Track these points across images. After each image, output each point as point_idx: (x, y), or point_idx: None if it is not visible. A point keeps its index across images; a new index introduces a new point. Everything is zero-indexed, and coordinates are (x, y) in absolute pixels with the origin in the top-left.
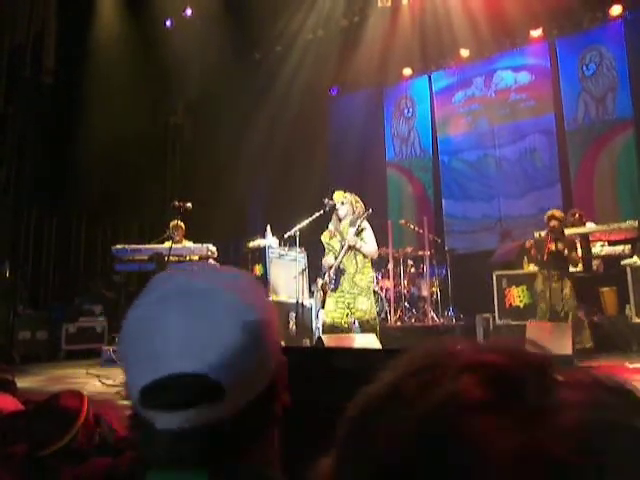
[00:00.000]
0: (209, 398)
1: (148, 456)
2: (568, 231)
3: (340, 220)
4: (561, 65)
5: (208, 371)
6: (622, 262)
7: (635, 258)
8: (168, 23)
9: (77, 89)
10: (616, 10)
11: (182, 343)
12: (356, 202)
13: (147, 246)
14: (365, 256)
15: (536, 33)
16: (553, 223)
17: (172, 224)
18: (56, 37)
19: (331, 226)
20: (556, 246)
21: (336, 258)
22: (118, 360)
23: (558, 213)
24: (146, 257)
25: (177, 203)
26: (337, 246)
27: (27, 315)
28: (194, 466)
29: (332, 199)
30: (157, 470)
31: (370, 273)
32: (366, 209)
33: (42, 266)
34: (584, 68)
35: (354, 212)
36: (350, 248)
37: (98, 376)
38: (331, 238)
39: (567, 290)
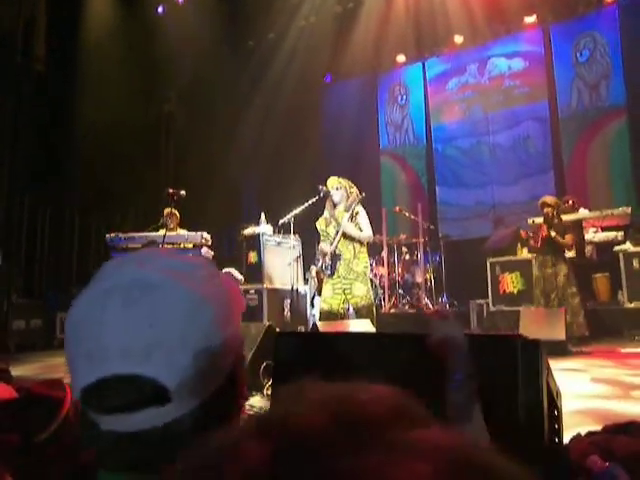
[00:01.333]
0: (154, 402)
1: (96, 456)
2: (562, 217)
3: (335, 206)
4: (555, 51)
5: (152, 373)
6: (615, 248)
7: (627, 244)
8: (160, 10)
9: (69, 77)
10: None
11: (125, 342)
12: (350, 187)
13: (141, 234)
14: (361, 242)
15: (530, 19)
16: (546, 210)
17: (166, 212)
18: (47, 24)
19: (326, 213)
20: (549, 232)
21: (331, 244)
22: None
23: (551, 199)
24: (140, 245)
25: (171, 191)
26: (333, 233)
27: (21, 304)
28: (143, 469)
29: (326, 186)
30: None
31: (366, 258)
32: (360, 193)
33: (36, 255)
34: (578, 54)
35: (348, 197)
36: (345, 235)
37: None
38: (327, 225)
39: (561, 277)
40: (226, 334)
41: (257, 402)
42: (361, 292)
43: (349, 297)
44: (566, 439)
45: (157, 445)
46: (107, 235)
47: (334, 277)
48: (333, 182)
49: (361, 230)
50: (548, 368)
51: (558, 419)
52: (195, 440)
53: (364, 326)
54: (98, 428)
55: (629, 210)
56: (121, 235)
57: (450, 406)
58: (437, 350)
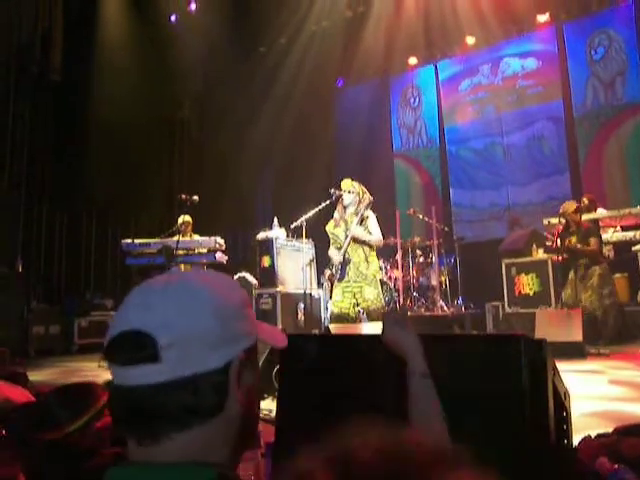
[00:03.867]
0: (148, 359)
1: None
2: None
3: (345, 208)
4: (569, 50)
5: (151, 330)
6: (633, 248)
7: None
8: (173, 18)
9: (84, 86)
10: None
11: (138, 308)
12: (364, 193)
13: (155, 240)
14: (370, 245)
15: (543, 18)
16: (564, 219)
17: (180, 219)
18: (63, 34)
19: (336, 214)
20: (570, 242)
21: (339, 248)
22: None
23: (568, 206)
24: (155, 250)
25: (184, 196)
26: (341, 235)
27: (41, 310)
28: (136, 429)
29: (338, 189)
30: (120, 467)
31: (376, 262)
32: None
33: (54, 262)
34: (592, 52)
35: (360, 202)
36: (354, 240)
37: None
38: (335, 227)
39: (595, 277)
40: (229, 323)
41: (268, 405)
42: (372, 296)
43: (360, 301)
44: (576, 441)
45: (150, 401)
46: (122, 241)
47: (344, 281)
48: (347, 185)
49: (370, 233)
50: (555, 368)
51: (566, 420)
52: (193, 411)
53: (377, 329)
54: (113, 385)
55: None
56: (136, 241)
57: (408, 405)
58: (390, 350)
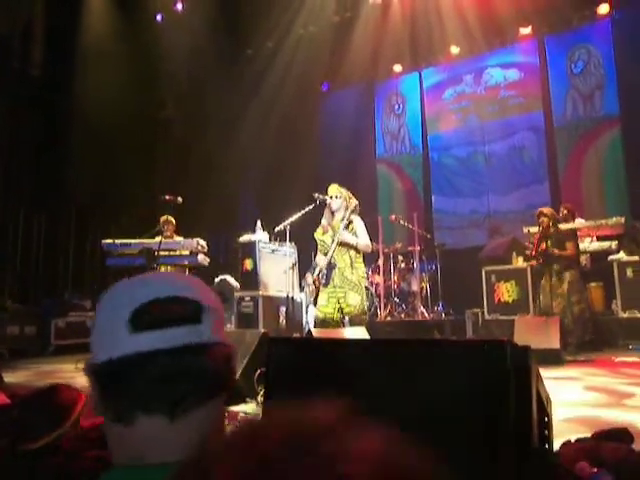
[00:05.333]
0: (193, 320)
1: (130, 404)
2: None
3: (333, 214)
4: (550, 63)
5: (195, 297)
6: (609, 258)
7: (621, 254)
8: (159, 17)
9: (66, 82)
10: (604, 9)
11: (171, 279)
12: (350, 198)
13: (137, 240)
14: (357, 251)
15: (525, 31)
16: (542, 219)
17: (162, 219)
18: (44, 29)
19: (324, 221)
20: (546, 245)
21: (326, 254)
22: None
23: (547, 210)
24: (136, 251)
25: (167, 197)
26: (329, 242)
27: (16, 310)
28: (170, 404)
29: (323, 193)
30: (116, 468)
31: (362, 268)
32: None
33: (31, 261)
34: (572, 66)
35: (347, 208)
36: (341, 244)
37: None
38: (323, 234)
39: (565, 284)
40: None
41: (251, 409)
42: (355, 302)
43: (344, 306)
44: (557, 446)
45: (195, 362)
46: (103, 241)
47: (329, 286)
48: (333, 190)
49: (357, 237)
50: (538, 374)
51: (548, 425)
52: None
53: (359, 334)
54: (140, 359)
55: (623, 220)
56: (117, 241)
57: None
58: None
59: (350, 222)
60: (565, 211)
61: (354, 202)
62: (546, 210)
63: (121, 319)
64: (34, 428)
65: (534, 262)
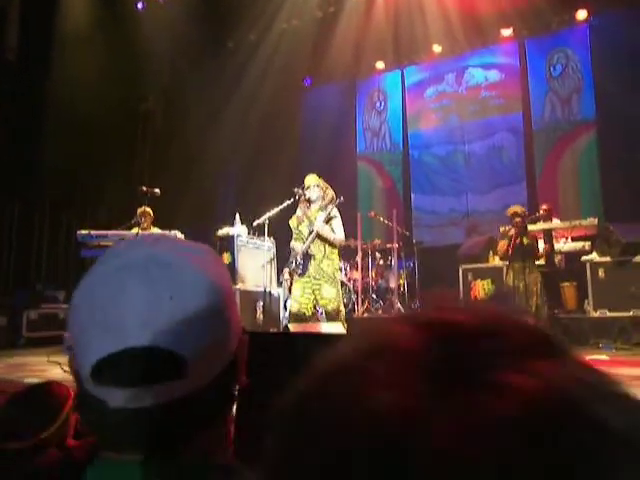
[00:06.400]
0: (173, 374)
1: (99, 439)
2: (532, 227)
3: (310, 204)
4: (530, 65)
5: (172, 345)
6: (582, 258)
7: (594, 254)
8: (140, 6)
9: (42, 68)
10: (582, 14)
11: (144, 315)
12: (326, 188)
13: (113, 232)
14: (333, 244)
15: (507, 32)
16: (517, 219)
17: (139, 210)
18: (21, 14)
19: (299, 211)
20: (521, 241)
21: (304, 243)
22: (67, 333)
23: (520, 209)
24: (112, 243)
25: (145, 188)
26: (305, 232)
27: None
28: (147, 449)
29: (302, 187)
30: (98, 463)
31: (336, 260)
32: (337, 197)
33: (3, 251)
34: (551, 69)
35: (324, 198)
36: (318, 236)
37: (59, 363)
38: (299, 224)
39: (537, 285)
40: (233, 316)
41: None
42: (330, 294)
43: (319, 298)
44: None
45: (164, 423)
46: (78, 232)
47: (305, 277)
48: (312, 179)
49: (334, 232)
50: None
51: None
52: (197, 418)
53: (335, 330)
54: (105, 407)
55: (596, 221)
56: (93, 232)
57: None
58: None
59: (331, 218)
60: (542, 211)
61: (331, 192)
62: (519, 210)
63: (87, 362)
64: (25, 427)
65: (507, 261)
